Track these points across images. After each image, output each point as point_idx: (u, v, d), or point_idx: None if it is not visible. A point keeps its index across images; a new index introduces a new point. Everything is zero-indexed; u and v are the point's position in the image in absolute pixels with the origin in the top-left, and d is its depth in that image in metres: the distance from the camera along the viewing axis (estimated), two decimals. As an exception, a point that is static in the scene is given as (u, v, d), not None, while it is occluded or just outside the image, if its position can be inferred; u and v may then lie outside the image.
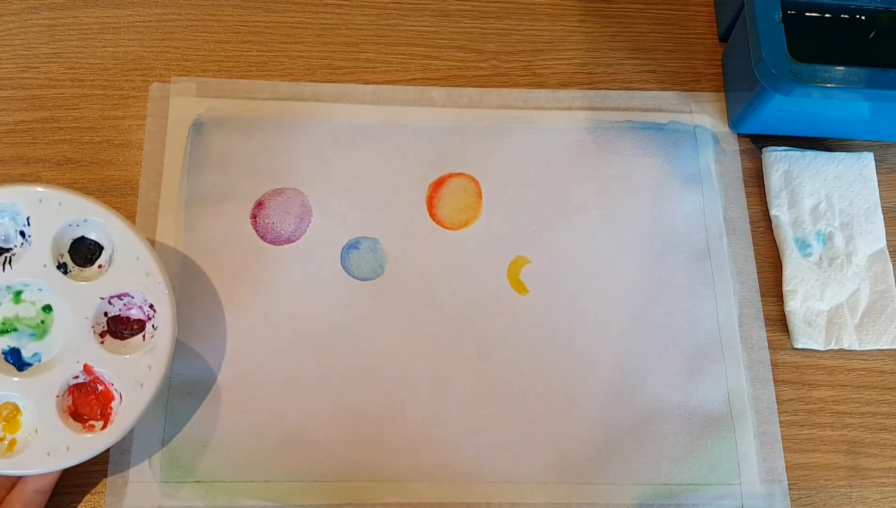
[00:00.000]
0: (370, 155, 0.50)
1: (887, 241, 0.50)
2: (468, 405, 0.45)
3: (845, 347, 0.48)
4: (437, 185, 0.50)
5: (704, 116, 0.53)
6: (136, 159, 0.49)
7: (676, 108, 0.53)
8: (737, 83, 0.52)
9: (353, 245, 0.48)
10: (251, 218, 0.48)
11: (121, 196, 0.48)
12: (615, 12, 0.56)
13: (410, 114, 0.51)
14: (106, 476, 0.43)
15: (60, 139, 0.50)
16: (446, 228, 0.49)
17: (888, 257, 0.50)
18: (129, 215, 0.48)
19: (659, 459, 0.45)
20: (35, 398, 0.39)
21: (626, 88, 0.54)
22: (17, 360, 0.40)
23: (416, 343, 0.46)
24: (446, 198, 0.50)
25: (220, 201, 0.48)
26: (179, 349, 0.45)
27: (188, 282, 0.46)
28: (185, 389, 0.44)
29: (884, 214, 0.51)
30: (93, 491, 0.43)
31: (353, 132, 0.51)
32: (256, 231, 0.48)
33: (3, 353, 0.40)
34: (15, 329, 0.40)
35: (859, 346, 0.48)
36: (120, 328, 0.41)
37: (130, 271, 0.40)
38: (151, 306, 0.41)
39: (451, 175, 0.50)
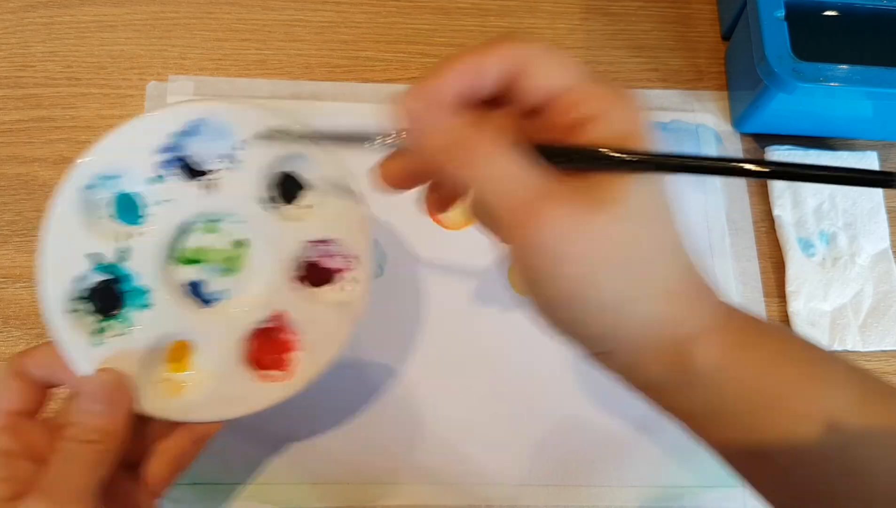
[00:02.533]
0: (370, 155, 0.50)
1: (891, 241, 0.50)
2: (469, 407, 0.45)
3: (849, 348, 0.48)
4: (437, 184, 0.50)
5: (707, 114, 0.53)
6: (134, 159, 0.49)
7: (679, 106, 0.53)
8: (740, 82, 0.52)
9: (352, 245, 0.48)
10: (249, 218, 0.48)
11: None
12: (617, 10, 0.56)
13: (410, 113, 0.51)
14: (103, 479, 0.43)
15: (57, 138, 0.49)
16: (446, 228, 0.49)
17: (891, 257, 0.50)
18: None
19: (660, 461, 0.45)
20: (214, 338, 0.35)
21: (628, 87, 0.53)
22: (200, 294, 0.36)
23: (415, 344, 0.46)
24: (446, 197, 0.49)
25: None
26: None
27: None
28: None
29: (887, 214, 0.51)
30: (90, 494, 0.43)
31: (353, 131, 0.50)
32: (255, 231, 0.48)
33: (187, 285, 0.36)
34: (204, 261, 0.36)
35: (863, 347, 0.48)
36: (316, 275, 0.37)
37: (340, 217, 0.36)
38: (355, 258, 0.37)
39: (451, 174, 0.50)
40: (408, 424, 0.45)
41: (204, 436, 0.35)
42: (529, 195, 0.25)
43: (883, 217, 0.50)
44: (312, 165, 0.36)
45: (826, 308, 0.48)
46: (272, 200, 0.36)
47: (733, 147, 0.52)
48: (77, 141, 0.49)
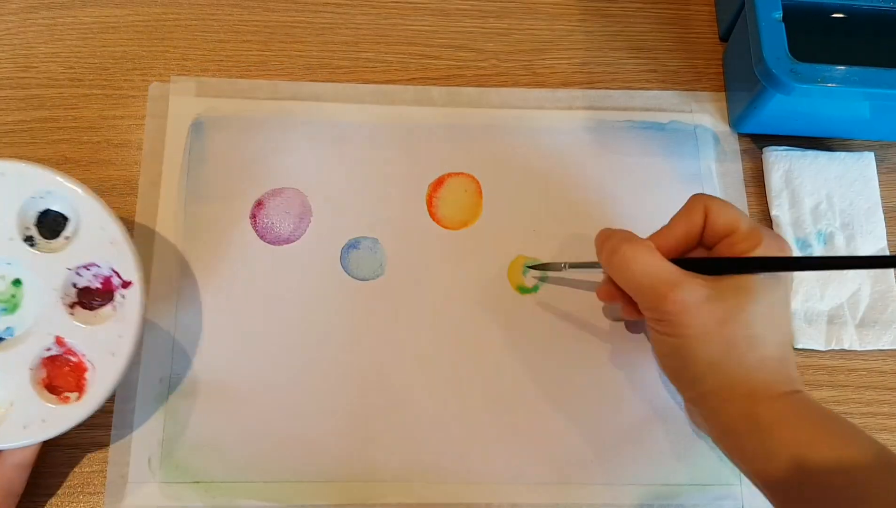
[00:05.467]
0: (370, 155, 0.50)
1: (888, 241, 0.50)
2: (468, 406, 0.45)
3: (846, 347, 0.48)
4: (437, 184, 0.50)
5: (705, 115, 0.53)
6: (136, 159, 0.49)
7: (677, 107, 0.53)
8: (737, 83, 0.52)
9: (352, 245, 0.48)
10: (251, 218, 0.48)
11: (120, 196, 0.48)
12: (615, 11, 0.56)
13: (410, 114, 0.51)
14: (105, 477, 0.43)
15: (59, 139, 0.49)
16: (446, 228, 0.49)
17: (889, 257, 0.50)
18: (129, 216, 0.48)
19: (659, 460, 0.45)
20: (8, 371, 0.39)
21: (627, 88, 0.54)
22: None
23: (415, 343, 0.46)
24: (446, 198, 0.50)
25: (219, 201, 0.48)
26: (179, 349, 0.45)
27: (187, 282, 0.46)
28: (184, 389, 0.44)
29: (884, 214, 0.51)
30: (93, 491, 0.43)
31: (354, 132, 0.51)
32: (256, 231, 0.48)
33: None
34: None
35: (860, 346, 0.48)
36: (89, 298, 0.41)
37: (96, 240, 0.40)
38: (119, 275, 0.40)
39: (450, 175, 0.50)
40: (408, 422, 0.45)
41: (25, 460, 0.40)
42: (673, 279, 0.38)
43: (880, 217, 0.51)
44: (62, 200, 0.40)
45: (823, 308, 0.48)
46: (34, 237, 0.40)
47: (731, 148, 0.52)
48: (80, 142, 0.49)
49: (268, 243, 0.48)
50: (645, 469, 0.45)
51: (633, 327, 0.48)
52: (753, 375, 0.38)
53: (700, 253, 0.42)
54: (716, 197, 0.41)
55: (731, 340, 0.38)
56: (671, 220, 0.42)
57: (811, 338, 0.48)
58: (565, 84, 0.53)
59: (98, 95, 0.51)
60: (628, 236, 0.41)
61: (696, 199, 0.41)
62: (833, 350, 0.48)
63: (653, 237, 0.41)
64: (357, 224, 0.49)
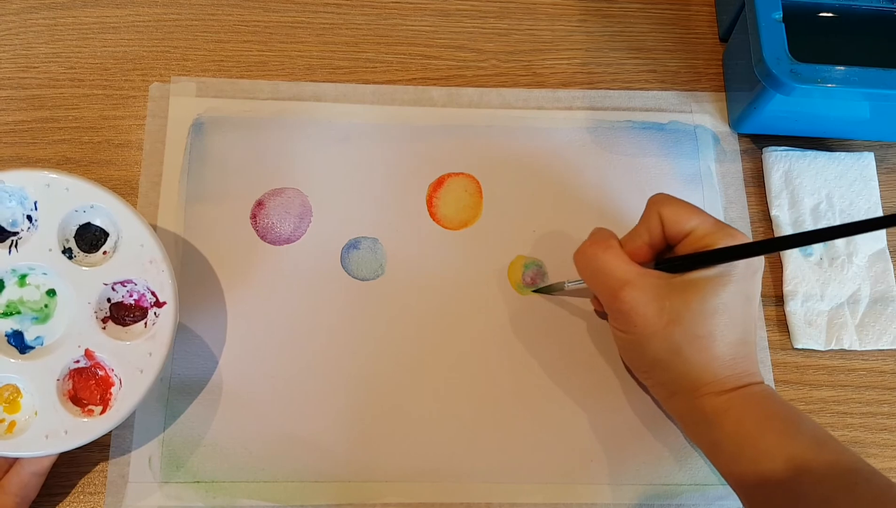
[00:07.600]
0: (370, 155, 0.50)
1: (888, 241, 0.50)
2: (468, 405, 0.45)
3: (846, 347, 0.48)
4: (437, 185, 0.50)
5: (705, 115, 0.53)
6: (136, 159, 0.49)
7: (677, 108, 0.53)
8: (737, 83, 0.52)
9: (353, 245, 0.48)
10: (251, 218, 0.48)
11: (121, 196, 0.48)
12: (615, 12, 0.56)
13: (410, 114, 0.51)
14: (106, 477, 0.43)
15: (60, 139, 0.50)
16: (446, 228, 0.49)
17: (888, 257, 0.50)
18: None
19: (659, 459, 0.45)
20: (36, 380, 0.39)
21: (627, 88, 0.54)
22: (19, 343, 0.40)
23: (415, 343, 0.46)
24: (446, 198, 0.50)
25: (219, 201, 0.48)
26: (179, 349, 0.45)
27: (188, 282, 0.46)
28: (185, 389, 0.44)
29: (884, 214, 0.51)
30: (93, 491, 0.43)
31: (353, 132, 0.51)
32: (256, 231, 0.48)
33: (6, 335, 0.40)
34: (18, 312, 0.41)
35: (860, 346, 0.48)
36: (122, 314, 0.41)
37: (134, 257, 0.40)
38: (154, 294, 0.41)
39: (451, 175, 0.50)
40: (408, 422, 0.45)
41: (42, 468, 0.40)
42: (626, 278, 0.39)
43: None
44: (104, 215, 0.40)
45: (823, 308, 0.48)
46: (72, 250, 0.41)
47: (731, 148, 0.52)
48: (80, 142, 0.50)
49: (268, 243, 0.48)
50: (645, 469, 0.45)
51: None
52: (698, 373, 0.39)
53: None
54: (672, 198, 0.41)
55: (676, 339, 0.39)
56: (637, 224, 0.42)
57: (811, 338, 0.48)
58: (565, 84, 0.53)
59: (98, 96, 0.51)
60: (597, 238, 0.42)
61: (651, 204, 0.42)
62: (833, 350, 0.48)
63: (623, 239, 0.42)
64: (357, 224, 0.49)
